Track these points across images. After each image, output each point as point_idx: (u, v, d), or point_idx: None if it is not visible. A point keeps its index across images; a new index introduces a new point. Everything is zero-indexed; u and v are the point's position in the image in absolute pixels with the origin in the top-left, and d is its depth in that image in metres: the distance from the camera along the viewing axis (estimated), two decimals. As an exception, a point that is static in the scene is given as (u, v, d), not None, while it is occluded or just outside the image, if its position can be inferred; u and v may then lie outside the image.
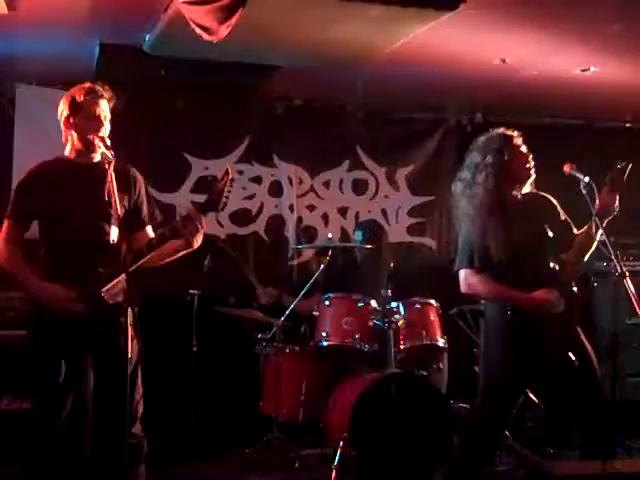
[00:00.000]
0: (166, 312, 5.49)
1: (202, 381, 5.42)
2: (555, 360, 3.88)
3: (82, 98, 3.64)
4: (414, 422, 4.70)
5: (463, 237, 4.04)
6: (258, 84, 5.81)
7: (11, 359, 4.74)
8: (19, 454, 3.99)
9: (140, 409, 3.68)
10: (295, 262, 6.55)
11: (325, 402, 4.96)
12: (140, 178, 3.85)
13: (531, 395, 5.11)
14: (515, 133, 4.00)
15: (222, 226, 6.33)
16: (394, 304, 5.10)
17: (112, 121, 3.71)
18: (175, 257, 3.75)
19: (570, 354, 3.88)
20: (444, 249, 6.88)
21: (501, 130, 4.03)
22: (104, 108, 3.67)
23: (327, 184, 6.69)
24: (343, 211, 6.72)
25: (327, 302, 5.17)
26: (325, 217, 6.68)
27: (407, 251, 6.78)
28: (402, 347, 5.05)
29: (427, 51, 5.00)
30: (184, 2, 3.94)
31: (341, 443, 4.63)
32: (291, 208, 6.56)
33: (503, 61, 5.27)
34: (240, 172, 6.35)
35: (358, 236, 5.83)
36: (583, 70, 5.48)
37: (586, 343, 3.93)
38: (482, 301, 5.22)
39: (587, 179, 3.79)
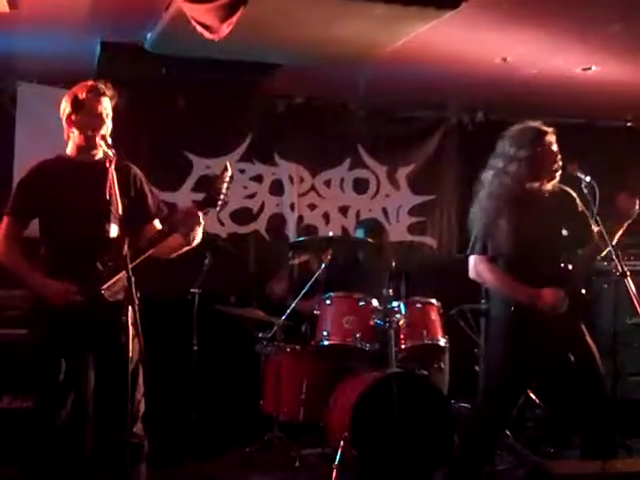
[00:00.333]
0: (167, 311, 5.49)
1: (203, 380, 5.41)
2: (557, 360, 3.88)
3: (84, 96, 3.65)
4: (415, 422, 4.69)
5: (478, 223, 4.02)
6: (259, 82, 5.80)
7: (12, 358, 4.73)
8: (18, 453, 3.99)
9: (141, 408, 3.67)
10: (296, 261, 6.54)
11: (326, 401, 4.95)
12: (140, 174, 3.85)
13: (531, 395, 5.11)
14: (550, 129, 3.98)
15: (223, 225, 6.33)
16: (395, 303, 5.09)
17: (113, 119, 3.71)
18: (179, 252, 3.76)
19: (570, 354, 3.89)
20: (445, 248, 6.89)
21: (537, 123, 4.00)
22: (106, 106, 3.67)
23: (328, 183, 6.69)
24: (344, 210, 6.73)
25: (328, 301, 5.16)
26: (326, 216, 6.68)
27: (408, 250, 6.78)
28: (403, 346, 5.04)
29: (428, 50, 5.00)
30: (185, 0, 3.94)
31: (342, 442, 4.61)
32: (292, 207, 6.56)
33: (504, 60, 5.27)
34: (241, 171, 6.35)
35: (360, 234, 5.84)
36: (584, 69, 5.48)
37: (590, 342, 3.93)
38: (483, 301, 5.23)
39: (588, 179, 3.79)
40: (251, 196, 6.49)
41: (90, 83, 3.71)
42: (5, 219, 3.71)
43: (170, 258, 3.80)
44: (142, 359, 3.57)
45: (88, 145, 3.67)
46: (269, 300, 5.88)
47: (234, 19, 3.80)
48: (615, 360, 5.30)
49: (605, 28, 4.59)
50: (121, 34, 4.90)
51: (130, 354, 3.17)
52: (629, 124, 7.06)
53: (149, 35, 4.78)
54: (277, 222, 6.55)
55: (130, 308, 3.17)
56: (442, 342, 5.13)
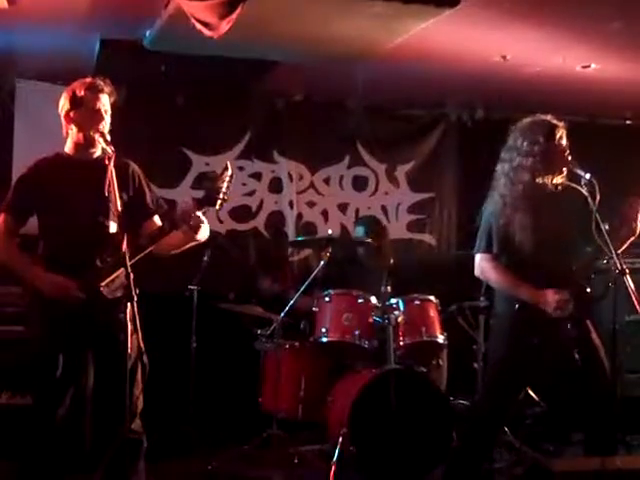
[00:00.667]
0: (166, 308, 5.49)
1: (201, 377, 5.42)
2: (560, 359, 3.87)
3: (83, 92, 3.65)
4: (413, 418, 4.70)
5: (486, 220, 3.99)
6: (258, 80, 5.80)
7: (10, 354, 4.74)
8: (17, 449, 3.99)
9: (140, 405, 3.67)
10: (295, 258, 6.55)
11: (324, 398, 4.96)
12: (138, 170, 3.86)
13: (530, 392, 5.11)
14: (560, 123, 3.94)
15: (222, 222, 6.31)
16: (394, 300, 5.10)
17: (112, 117, 3.71)
18: (183, 249, 3.76)
19: (575, 353, 3.87)
20: (444, 246, 6.89)
21: (548, 117, 3.96)
22: (105, 103, 3.67)
23: (327, 180, 6.69)
24: (343, 207, 6.72)
25: (327, 298, 5.16)
26: (325, 213, 6.68)
27: (407, 248, 6.78)
28: (402, 343, 5.04)
29: (428, 47, 5.00)
30: (185, -2, 3.94)
31: (340, 439, 4.62)
32: (291, 204, 6.56)
33: (504, 58, 5.26)
34: (240, 168, 6.35)
35: (359, 231, 5.83)
36: (584, 67, 5.47)
37: (596, 340, 3.91)
38: (482, 298, 5.23)
39: (588, 176, 3.78)
40: (250, 193, 6.49)
41: (89, 80, 3.71)
42: (3, 215, 3.72)
43: (170, 255, 3.80)
44: (140, 356, 3.57)
45: (87, 142, 3.67)
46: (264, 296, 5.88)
47: (233, 16, 3.79)
48: (614, 357, 5.30)
49: (604, 26, 4.59)
50: (120, 31, 4.89)
51: (129, 351, 3.17)
52: (628, 122, 7.06)
53: (148, 32, 4.78)
54: (276, 219, 6.55)
55: (129, 305, 3.17)
56: (441, 339, 5.13)
